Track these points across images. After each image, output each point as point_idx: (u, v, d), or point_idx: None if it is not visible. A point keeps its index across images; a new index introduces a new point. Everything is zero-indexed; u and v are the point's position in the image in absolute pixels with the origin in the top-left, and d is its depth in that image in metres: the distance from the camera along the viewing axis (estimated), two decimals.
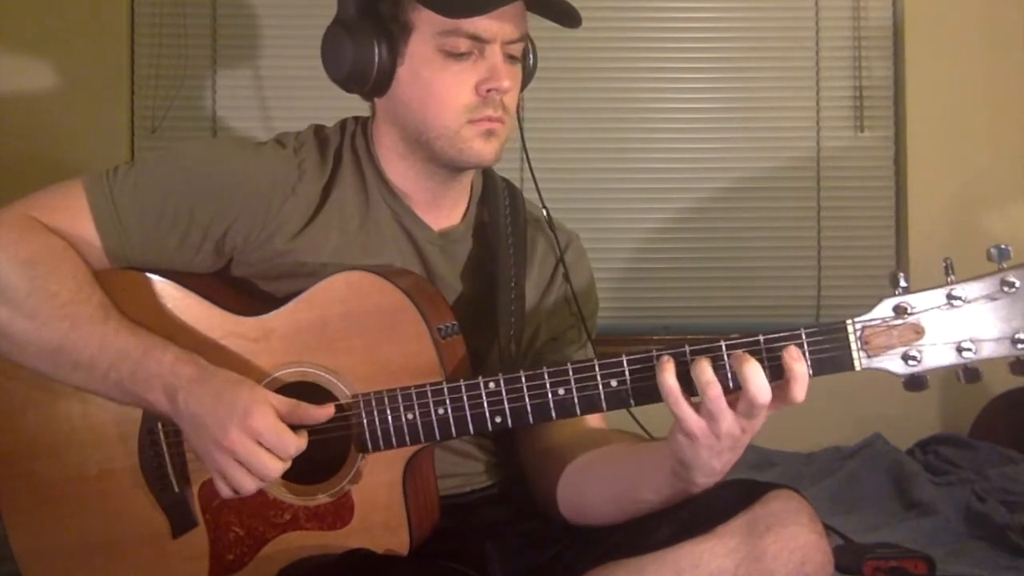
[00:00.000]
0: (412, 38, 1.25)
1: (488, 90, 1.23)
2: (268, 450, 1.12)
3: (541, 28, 1.31)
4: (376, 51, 1.25)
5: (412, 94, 1.26)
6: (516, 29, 1.25)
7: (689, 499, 1.12)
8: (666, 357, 1.04)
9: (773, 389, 1.00)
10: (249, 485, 1.13)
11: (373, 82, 1.26)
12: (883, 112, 2.91)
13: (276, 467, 1.13)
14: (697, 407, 1.02)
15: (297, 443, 1.13)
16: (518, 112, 1.36)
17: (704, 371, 1.01)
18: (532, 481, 1.31)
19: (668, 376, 1.02)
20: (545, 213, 1.42)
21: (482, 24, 1.21)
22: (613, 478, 1.17)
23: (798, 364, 1.00)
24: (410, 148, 1.30)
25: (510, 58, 1.26)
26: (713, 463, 1.04)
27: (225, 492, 1.16)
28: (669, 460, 1.07)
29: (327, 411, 1.16)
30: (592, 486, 1.19)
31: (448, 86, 1.23)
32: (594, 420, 1.29)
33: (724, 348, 1.04)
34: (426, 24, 1.23)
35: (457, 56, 1.23)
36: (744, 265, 2.89)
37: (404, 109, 1.27)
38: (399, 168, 1.32)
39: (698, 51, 2.91)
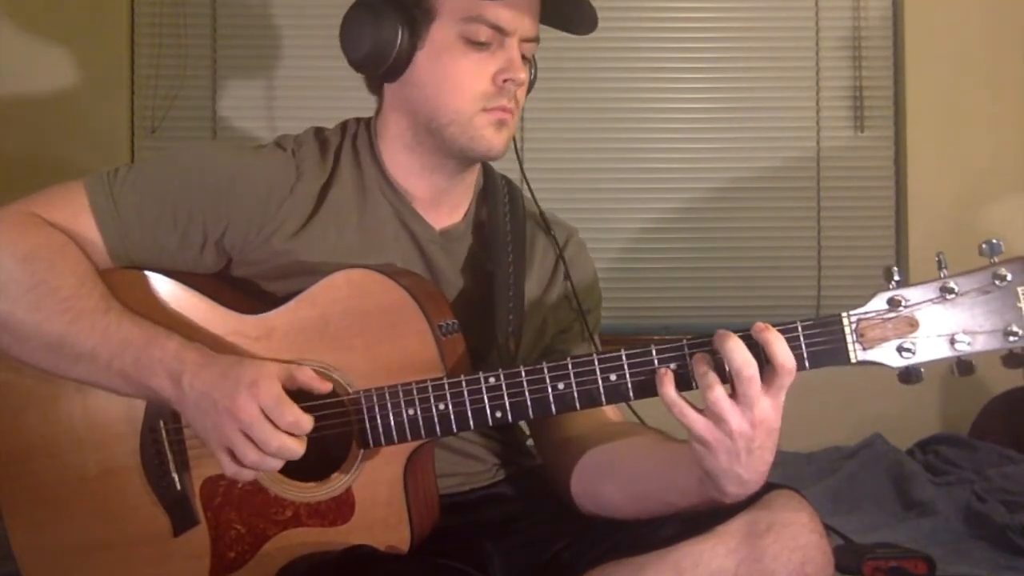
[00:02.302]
0: (435, 24, 1.26)
1: (505, 80, 1.25)
2: (271, 421, 1.12)
3: (542, 27, 1.32)
4: (399, 34, 1.26)
5: (429, 78, 1.27)
6: (534, 27, 1.28)
7: None
8: (663, 369, 1.05)
9: (767, 373, 1.01)
10: (252, 456, 1.12)
11: (390, 65, 1.27)
12: (883, 112, 2.92)
13: (279, 439, 1.12)
14: (703, 412, 1.02)
15: (295, 415, 1.12)
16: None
17: (704, 375, 1.02)
18: (549, 471, 1.33)
19: (669, 389, 1.03)
20: (541, 213, 1.43)
21: (505, 15, 1.24)
22: (638, 477, 1.18)
23: (764, 332, 1.01)
24: (418, 138, 1.30)
25: (522, 57, 1.28)
26: (736, 469, 1.03)
27: (230, 469, 1.15)
28: (695, 468, 1.07)
29: (325, 387, 1.16)
30: (615, 483, 1.20)
31: (466, 72, 1.25)
32: (611, 412, 1.30)
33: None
34: (450, 11, 1.25)
35: (477, 45, 1.25)
36: (744, 265, 2.90)
37: (419, 93, 1.28)
38: (403, 162, 1.32)
39: (698, 51, 2.91)
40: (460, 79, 1.26)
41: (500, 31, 1.25)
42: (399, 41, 1.26)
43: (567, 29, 1.34)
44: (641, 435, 1.24)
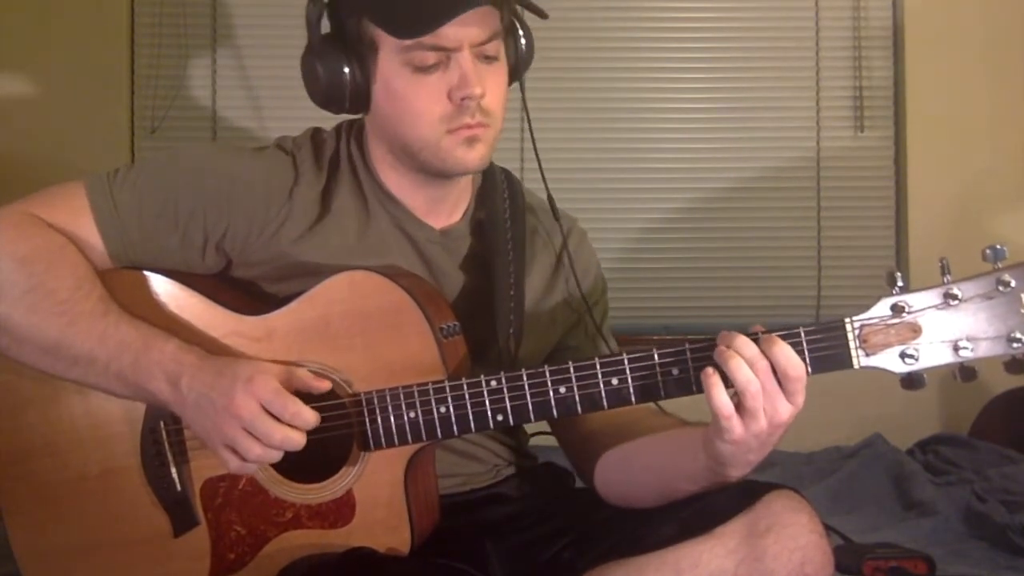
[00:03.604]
0: (379, 56, 1.23)
1: (462, 98, 1.21)
2: (272, 415, 1.12)
3: (541, 27, 1.31)
4: (346, 73, 1.24)
5: (389, 110, 1.25)
6: (483, 30, 1.21)
7: (690, 499, 1.13)
8: (710, 370, 1.03)
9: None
10: (256, 451, 1.12)
11: (350, 103, 1.26)
12: (883, 112, 2.92)
13: (282, 431, 1.12)
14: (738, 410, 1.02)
15: (296, 406, 1.12)
16: (523, 102, 1.35)
17: (740, 369, 1.01)
18: (576, 465, 1.34)
19: (720, 394, 1.02)
20: (551, 201, 1.41)
21: (443, 33, 1.18)
22: (653, 470, 1.19)
23: (767, 343, 1.02)
24: (399, 160, 1.29)
25: (485, 58, 1.24)
26: (749, 457, 1.06)
27: (232, 464, 1.15)
28: (703, 457, 1.08)
29: (323, 385, 1.16)
30: (633, 476, 1.22)
31: (420, 99, 1.22)
32: None
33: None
34: (389, 41, 1.21)
35: (425, 69, 1.21)
36: (744, 265, 2.90)
37: (385, 124, 1.27)
38: (394, 178, 1.32)
39: (698, 51, 2.92)
40: (415, 108, 1.22)
41: (444, 49, 1.20)
42: (348, 81, 1.24)
43: (525, 7, 1.28)
44: (655, 427, 1.24)
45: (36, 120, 2.74)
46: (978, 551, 1.94)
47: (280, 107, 2.82)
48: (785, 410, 1.02)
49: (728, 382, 1.02)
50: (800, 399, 1.03)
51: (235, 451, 1.14)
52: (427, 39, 1.18)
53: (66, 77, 2.76)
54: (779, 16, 2.91)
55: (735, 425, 1.02)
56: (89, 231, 1.24)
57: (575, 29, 2.81)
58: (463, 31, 1.19)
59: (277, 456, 1.14)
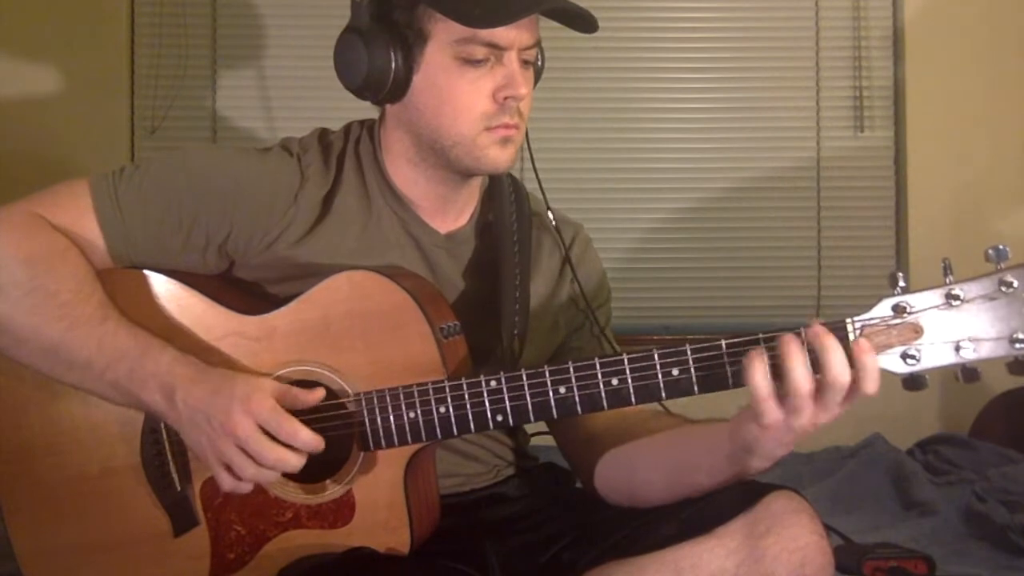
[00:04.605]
0: (428, 46, 1.23)
1: (506, 98, 1.22)
2: (269, 436, 1.12)
3: (542, 28, 1.31)
4: (392, 59, 1.23)
5: (427, 102, 1.25)
6: (532, 35, 1.25)
7: (690, 500, 1.13)
8: (756, 351, 1.00)
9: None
10: (251, 470, 1.13)
11: (389, 90, 1.25)
12: (883, 113, 2.92)
13: (277, 452, 1.12)
14: (778, 399, 1.00)
15: (292, 425, 1.12)
16: None
17: (797, 366, 0.98)
18: (575, 467, 1.34)
19: (759, 375, 0.99)
20: (549, 211, 1.42)
21: (500, 32, 1.20)
22: (667, 464, 1.18)
23: (821, 337, 0.99)
24: (422, 155, 1.29)
25: (524, 63, 1.25)
26: (777, 451, 1.05)
27: (227, 483, 1.15)
28: (727, 445, 1.07)
29: (317, 395, 1.17)
30: (642, 475, 1.20)
31: (464, 94, 1.22)
32: None
33: (724, 347, 1.05)
34: (443, 32, 1.22)
35: (474, 63, 1.22)
36: (744, 265, 2.90)
37: (418, 116, 1.26)
38: (408, 174, 1.31)
39: (698, 51, 2.92)
40: (459, 101, 1.23)
41: (497, 47, 1.22)
42: (393, 67, 1.23)
43: (573, 27, 1.28)
44: (662, 426, 1.23)
45: (36, 120, 2.74)
46: (978, 551, 1.93)
47: (280, 107, 2.81)
48: (827, 417, 1.00)
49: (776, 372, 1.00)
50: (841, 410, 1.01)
51: (230, 469, 1.14)
52: (484, 34, 1.20)
53: (66, 77, 2.76)
54: (779, 17, 2.91)
55: (771, 408, 0.99)
56: (92, 231, 1.24)
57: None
58: (517, 33, 1.22)
59: (273, 476, 1.15)
